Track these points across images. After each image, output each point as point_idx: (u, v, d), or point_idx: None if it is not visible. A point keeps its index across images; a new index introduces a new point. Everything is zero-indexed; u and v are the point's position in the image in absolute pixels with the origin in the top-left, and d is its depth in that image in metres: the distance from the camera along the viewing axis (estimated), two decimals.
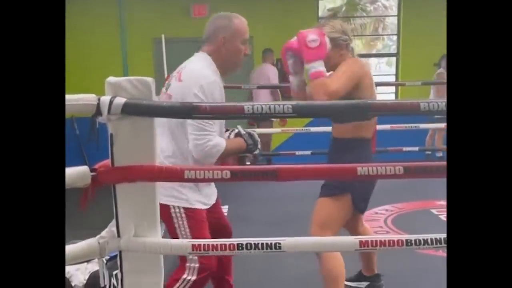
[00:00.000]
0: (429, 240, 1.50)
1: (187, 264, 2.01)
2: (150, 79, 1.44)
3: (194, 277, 1.99)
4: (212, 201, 2.16)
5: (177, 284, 2.01)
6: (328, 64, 2.22)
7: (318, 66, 2.07)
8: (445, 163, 1.30)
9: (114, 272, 2.16)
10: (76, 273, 2.33)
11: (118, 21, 5.81)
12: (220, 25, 2.06)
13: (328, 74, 2.14)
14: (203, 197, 2.08)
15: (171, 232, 2.04)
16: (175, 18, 6.99)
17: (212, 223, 2.15)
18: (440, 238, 1.49)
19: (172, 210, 2.00)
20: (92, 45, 7.02)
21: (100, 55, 6.99)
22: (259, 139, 2.08)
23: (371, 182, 2.29)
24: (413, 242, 1.50)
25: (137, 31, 6.73)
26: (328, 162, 2.32)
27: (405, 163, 1.46)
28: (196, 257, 1.99)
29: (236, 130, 2.11)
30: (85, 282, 2.41)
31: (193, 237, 1.99)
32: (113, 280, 2.22)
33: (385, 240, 1.50)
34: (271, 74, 6.51)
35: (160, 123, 1.98)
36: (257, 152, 2.09)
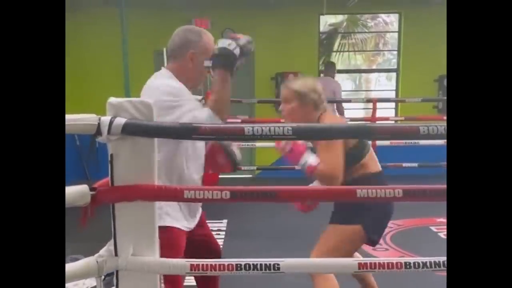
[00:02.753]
0: (428, 263, 1.50)
1: None
2: (151, 101, 1.45)
3: None
4: (191, 220, 2.06)
5: None
6: (292, 117, 2.25)
7: (304, 164, 2.12)
8: (444, 186, 1.30)
9: None
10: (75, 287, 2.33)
11: (120, 33, 5.83)
12: (190, 40, 2.00)
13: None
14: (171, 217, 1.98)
15: None
16: None
17: (201, 243, 2.12)
18: (439, 261, 1.48)
19: None
20: (93, 57, 7.06)
21: (102, 67, 7.03)
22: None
23: (385, 211, 2.24)
24: (412, 265, 1.50)
25: (139, 44, 6.77)
26: (337, 207, 2.27)
27: (404, 186, 1.47)
28: None
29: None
30: None
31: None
32: None
33: (383, 263, 1.50)
34: (336, 88, 6.21)
35: None
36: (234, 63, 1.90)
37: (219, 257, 2.19)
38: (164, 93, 1.88)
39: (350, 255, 2.23)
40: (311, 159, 2.11)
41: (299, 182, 5.00)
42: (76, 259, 2.63)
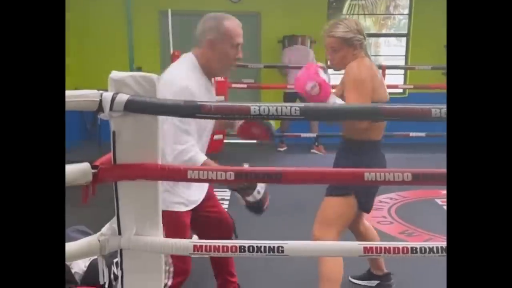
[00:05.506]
0: (434, 248, 1.47)
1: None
2: (154, 76, 1.40)
3: (170, 281, 1.91)
4: (195, 199, 2.05)
5: None
6: (344, 65, 2.22)
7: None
8: None
9: (115, 260, 2.15)
10: (77, 261, 2.33)
11: None
12: (208, 27, 1.94)
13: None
14: (181, 199, 1.97)
15: None
16: None
17: (210, 217, 2.12)
18: (445, 247, 1.46)
19: None
20: (96, 16, 6.91)
21: (105, 26, 6.88)
22: (259, 188, 1.95)
23: None
24: (418, 250, 1.48)
25: (143, 3, 6.61)
26: (336, 161, 2.30)
27: (413, 169, 1.43)
28: (170, 261, 1.90)
29: None
30: (85, 269, 2.41)
31: None
32: (114, 268, 2.22)
33: (389, 247, 1.48)
34: (306, 57, 6.33)
35: None
36: (254, 197, 1.97)
37: (231, 232, 2.19)
38: (173, 94, 1.79)
39: (348, 223, 2.30)
40: (338, 100, 2.10)
41: (299, 148, 4.94)
42: (79, 231, 2.65)
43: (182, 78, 1.88)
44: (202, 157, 1.87)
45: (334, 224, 2.21)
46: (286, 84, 6.10)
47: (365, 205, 2.28)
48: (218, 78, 5.31)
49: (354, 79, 2.13)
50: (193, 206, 2.03)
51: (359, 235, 2.47)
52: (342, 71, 2.25)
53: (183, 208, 1.98)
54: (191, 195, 2.01)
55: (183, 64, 1.96)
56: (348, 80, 2.16)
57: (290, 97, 6.05)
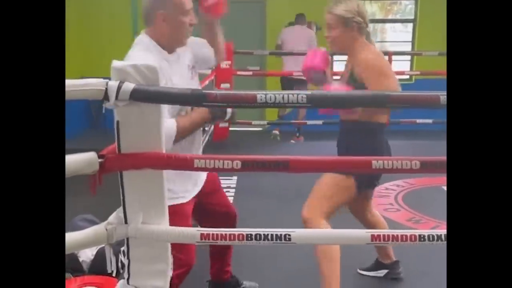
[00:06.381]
0: (442, 236, 1.46)
1: None
2: (157, 65, 1.38)
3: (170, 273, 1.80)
4: (184, 189, 1.94)
5: None
6: (338, 45, 2.17)
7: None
8: None
9: (122, 249, 2.16)
10: (84, 249, 2.34)
11: None
12: (154, 1, 1.81)
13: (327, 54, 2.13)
14: (172, 193, 1.84)
15: None
16: None
17: (215, 211, 2.09)
18: None
19: None
20: (101, 3, 6.88)
21: (110, 13, 6.84)
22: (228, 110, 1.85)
23: None
24: (426, 237, 1.47)
25: None
26: (338, 148, 2.26)
27: (421, 157, 1.42)
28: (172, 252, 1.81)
29: None
30: (92, 258, 2.42)
31: None
32: (121, 257, 2.23)
33: (397, 235, 1.47)
34: (311, 36, 6.11)
35: None
36: (227, 117, 1.86)
37: (235, 225, 2.18)
38: None
39: (339, 205, 2.23)
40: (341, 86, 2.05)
41: (305, 136, 4.86)
42: (86, 219, 2.66)
43: (142, 55, 1.76)
44: (170, 123, 1.71)
45: (327, 200, 2.17)
46: (292, 71, 6.05)
47: (365, 190, 2.23)
48: (223, 66, 5.31)
49: (378, 73, 2.08)
50: (187, 196, 1.94)
51: (367, 223, 2.44)
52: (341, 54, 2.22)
53: (176, 201, 1.88)
54: (179, 190, 1.92)
55: (136, 47, 1.81)
56: (370, 75, 2.09)
57: (286, 83, 5.96)
